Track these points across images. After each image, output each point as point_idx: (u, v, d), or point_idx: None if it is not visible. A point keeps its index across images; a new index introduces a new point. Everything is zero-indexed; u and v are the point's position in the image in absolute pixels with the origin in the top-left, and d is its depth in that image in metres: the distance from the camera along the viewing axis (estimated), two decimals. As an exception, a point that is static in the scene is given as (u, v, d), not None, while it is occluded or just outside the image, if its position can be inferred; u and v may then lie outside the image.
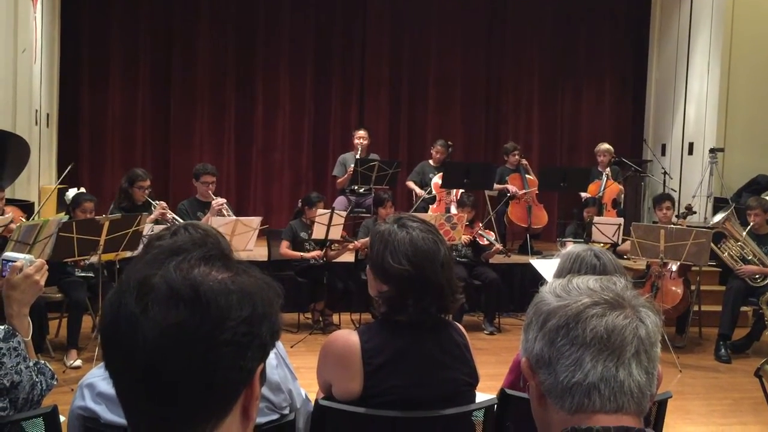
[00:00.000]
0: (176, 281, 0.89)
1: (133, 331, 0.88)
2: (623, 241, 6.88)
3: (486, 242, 7.11)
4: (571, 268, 2.56)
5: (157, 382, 0.88)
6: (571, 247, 2.73)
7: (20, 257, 2.09)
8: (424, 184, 8.37)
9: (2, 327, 2.02)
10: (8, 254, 2.13)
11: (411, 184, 8.48)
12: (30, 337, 2.10)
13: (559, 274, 2.56)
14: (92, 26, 9.41)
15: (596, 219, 7.33)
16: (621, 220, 7.20)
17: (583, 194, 8.36)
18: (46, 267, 2.14)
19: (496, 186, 8.51)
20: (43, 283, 2.12)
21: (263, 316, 0.92)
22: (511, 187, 8.44)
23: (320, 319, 6.76)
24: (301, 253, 6.72)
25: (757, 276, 6.35)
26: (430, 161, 8.54)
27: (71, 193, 6.44)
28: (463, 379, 2.21)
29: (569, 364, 1.10)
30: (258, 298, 0.92)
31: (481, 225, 7.33)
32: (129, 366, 0.89)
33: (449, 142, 8.68)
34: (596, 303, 1.12)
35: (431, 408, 2.14)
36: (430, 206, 8.13)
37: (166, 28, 9.62)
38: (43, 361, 2.14)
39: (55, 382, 2.13)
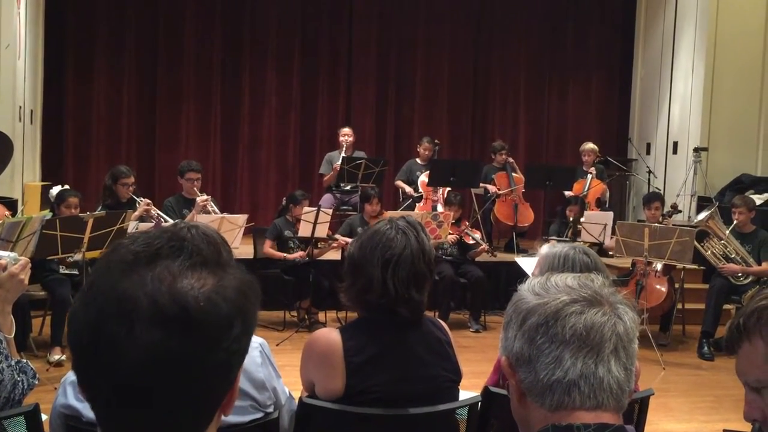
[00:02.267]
0: (162, 297, 0.83)
1: (116, 353, 0.82)
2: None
3: (472, 241, 7.13)
4: (562, 270, 2.52)
5: (143, 404, 0.83)
6: (557, 247, 2.69)
7: (4, 255, 2.09)
8: (412, 182, 8.40)
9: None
10: None
11: (399, 183, 8.49)
12: (13, 336, 2.09)
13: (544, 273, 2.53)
14: (77, 22, 9.34)
15: (584, 217, 7.35)
16: (610, 214, 7.22)
17: (566, 193, 8.40)
18: (30, 265, 2.13)
19: (480, 184, 8.53)
20: (27, 281, 2.11)
21: (250, 328, 0.90)
22: (491, 188, 8.47)
23: (306, 317, 6.75)
24: (284, 254, 6.68)
25: (739, 274, 6.40)
26: (418, 159, 8.55)
27: (55, 190, 6.40)
28: (445, 375, 2.22)
29: (549, 362, 1.11)
30: (245, 309, 0.89)
31: (467, 223, 7.35)
32: (110, 388, 0.84)
33: (436, 140, 8.70)
34: (575, 300, 1.13)
35: (414, 405, 2.14)
36: (417, 204, 8.14)
37: (151, 23, 9.56)
38: (25, 360, 2.13)
39: (37, 381, 2.12)
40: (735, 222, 6.51)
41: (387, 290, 2.08)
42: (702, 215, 6.57)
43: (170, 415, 0.85)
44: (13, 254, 2.13)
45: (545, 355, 1.11)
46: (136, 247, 0.88)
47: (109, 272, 0.86)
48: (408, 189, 8.25)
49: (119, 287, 0.84)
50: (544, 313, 1.13)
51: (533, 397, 1.13)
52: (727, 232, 6.45)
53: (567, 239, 6.98)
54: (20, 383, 2.05)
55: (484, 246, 7.09)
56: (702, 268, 7.36)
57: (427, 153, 8.48)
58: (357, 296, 2.15)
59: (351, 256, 2.18)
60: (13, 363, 2.05)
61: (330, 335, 2.15)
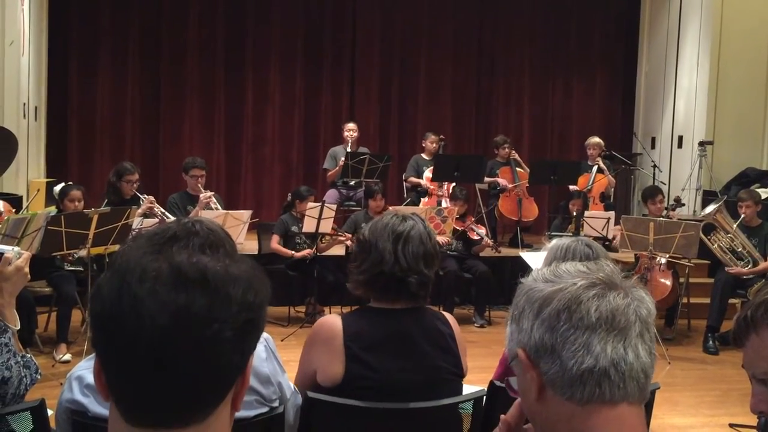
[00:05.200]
0: (183, 264, 0.88)
1: (139, 314, 0.85)
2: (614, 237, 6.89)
3: (477, 236, 7.12)
4: (563, 259, 2.52)
5: (163, 366, 0.86)
6: (562, 240, 2.71)
7: (8, 249, 2.13)
8: (419, 177, 8.39)
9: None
10: None
11: (412, 179, 8.45)
12: (18, 329, 2.11)
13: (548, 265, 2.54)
14: (80, 18, 9.35)
15: (586, 213, 7.34)
16: (611, 214, 7.20)
17: (570, 187, 8.37)
18: (30, 256, 2.18)
19: (486, 179, 8.51)
20: (28, 274, 2.16)
21: (262, 304, 0.93)
22: (501, 180, 8.45)
23: (313, 311, 6.76)
24: (292, 252, 6.69)
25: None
26: (423, 154, 8.53)
27: (59, 187, 6.42)
28: (445, 367, 2.24)
29: (576, 349, 1.03)
30: (258, 285, 0.93)
31: (473, 219, 7.34)
32: (133, 351, 0.86)
33: (441, 136, 8.68)
34: (593, 284, 1.06)
35: (414, 394, 2.16)
36: (422, 200, 8.13)
37: (155, 20, 9.56)
38: (29, 355, 2.15)
39: (39, 376, 2.16)
40: (741, 216, 6.49)
41: (398, 261, 2.18)
42: (710, 208, 6.54)
43: (190, 382, 0.87)
44: (16, 248, 2.17)
45: (571, 342, 1.04)
46: (153, 230, 0.95)
47: (131, 251, 0.91)
48: (423, 182, 8.24)
49: (142, 261, 0.89)
50: (563, 298, 1.05)
51: (559, 390, 1.05)
52: (735, 225, 6.43)
53: (569, 234, 6.95)
54: (25, 378, 2.07)
55: (488, 242, 7.08)
56: (707, 262, 7.35)
57: (433, 146, 8.46)
58: (368, 270, 2.20)
59: (361, 239, 2.27)
60: (19, 358, 2.07)
61: (333, 320, 2.24)
